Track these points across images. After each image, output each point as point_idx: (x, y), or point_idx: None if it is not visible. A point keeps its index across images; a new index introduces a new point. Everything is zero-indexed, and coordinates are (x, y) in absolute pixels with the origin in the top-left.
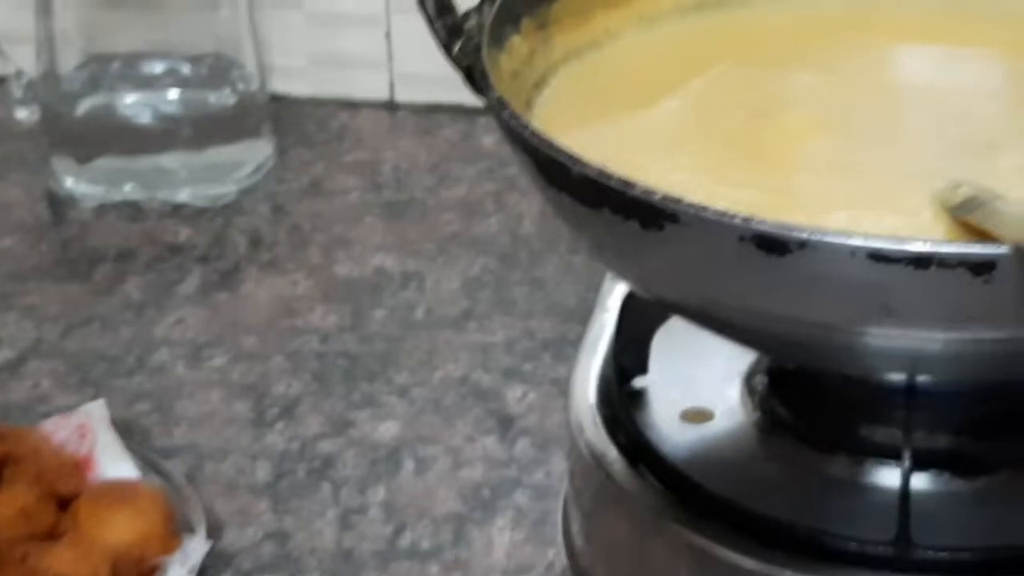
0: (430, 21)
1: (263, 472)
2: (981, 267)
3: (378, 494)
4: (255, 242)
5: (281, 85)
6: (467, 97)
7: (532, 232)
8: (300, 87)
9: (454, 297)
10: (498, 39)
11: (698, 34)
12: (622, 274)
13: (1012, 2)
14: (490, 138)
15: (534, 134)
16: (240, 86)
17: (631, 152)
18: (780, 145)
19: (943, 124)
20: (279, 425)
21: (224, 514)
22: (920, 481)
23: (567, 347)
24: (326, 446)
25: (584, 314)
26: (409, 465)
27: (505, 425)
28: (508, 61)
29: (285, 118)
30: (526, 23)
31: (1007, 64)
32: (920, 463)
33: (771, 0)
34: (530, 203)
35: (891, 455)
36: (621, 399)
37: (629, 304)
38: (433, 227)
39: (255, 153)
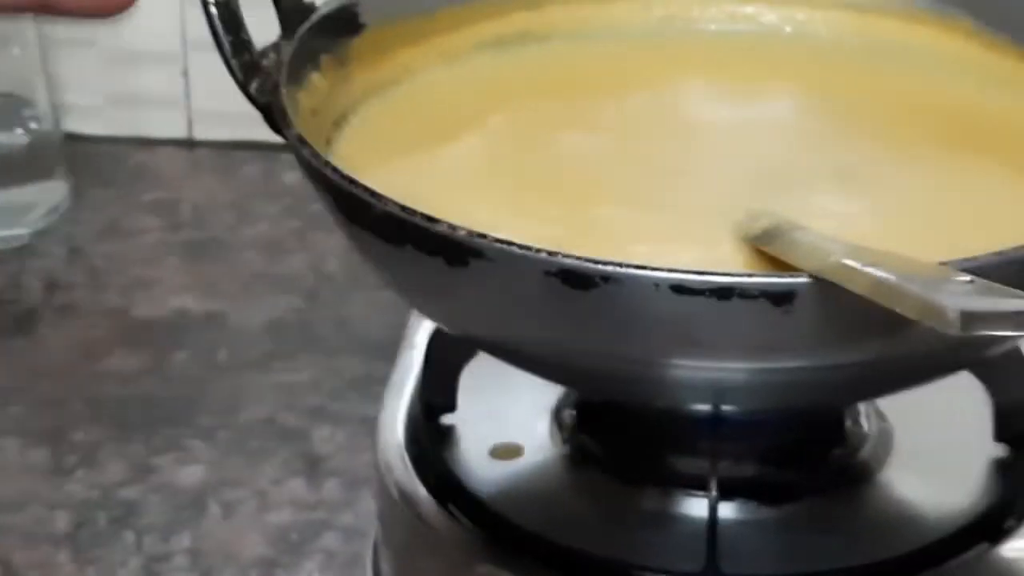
0: (226, 59)
1: (63, 522)
2: (781, 297)
3: (183, 541)
4: (51, 285)
5: (76, 125)
6: (268, 134)
7: (337, 269)
8: (96, 126)
9: (258, 337)
10: (297, 77)
11: (499, 70)
12: (428, 312)
13: (809, 37)
14: (292, 175)
15: (334, 171)
16: (32, 126)
17: (434, 188)
18: (582, 180)
19: (743, 157)
20: (79, 473)
21: (23, 566)
22: (727, 510)
23: (375, 385)
24: (128, 493)
25: (392, 351)
26: (215, 510)
27: (313, 466)
28: (308, 98)
29: (81, 158)
30: (325, 60)
31: (804, 97)
32: (727, 492)
33: (571, 36)
34: (334, 240)
35: (699, 485)
36: (429, 437)
37: (436, 340)
38: (235, 266)
39: (49, 194)
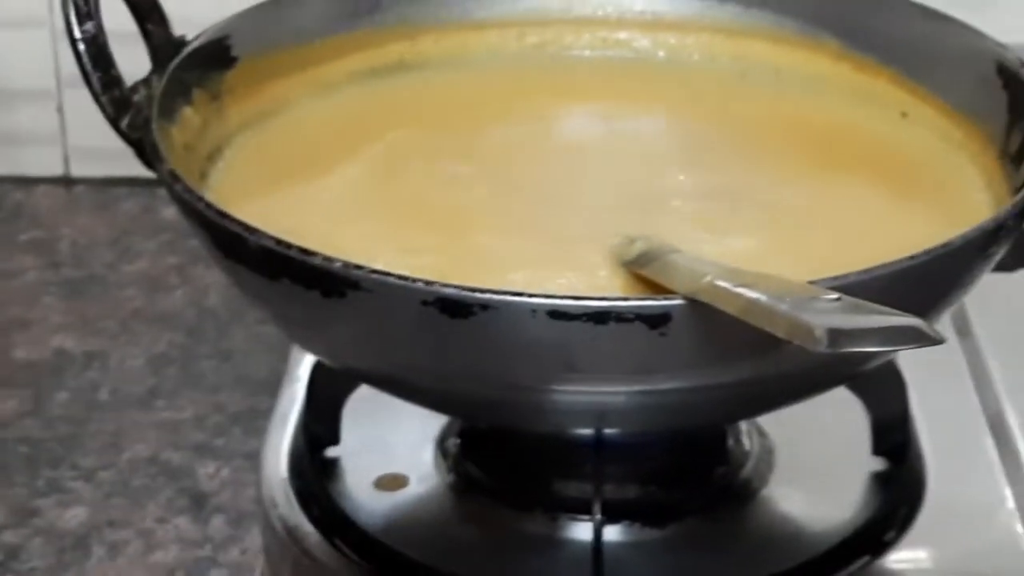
0: (96, 95)
1: None
2: (657, 320)
3: None
4: None
5: None
6: (145, 169)
7: (218, 303)
8: None
9: (140, 375)
10: (169, 111)
11: (374, 99)
12: (308, 346)
13: (682, 62)
14: (171, 210)
15: (208, 206)
16: None
17: (311, 221)
18: (459, 208)
19: (619, 182)
20: None
21: None
22: (613, 533)
23: (259, 419)
24: (9, 537)
25: (275, 384)
26: (99, 551)
27: (198, 503)
28: (180, 133)
29: None
30: (197, 94)
31: (677, 121)
32: (611, 515)
33: (446, 65)
34: (215, 274)
35: (583, 509)
36: (314, 470)
37: (318, 373)
38: (115, 304)
39: None
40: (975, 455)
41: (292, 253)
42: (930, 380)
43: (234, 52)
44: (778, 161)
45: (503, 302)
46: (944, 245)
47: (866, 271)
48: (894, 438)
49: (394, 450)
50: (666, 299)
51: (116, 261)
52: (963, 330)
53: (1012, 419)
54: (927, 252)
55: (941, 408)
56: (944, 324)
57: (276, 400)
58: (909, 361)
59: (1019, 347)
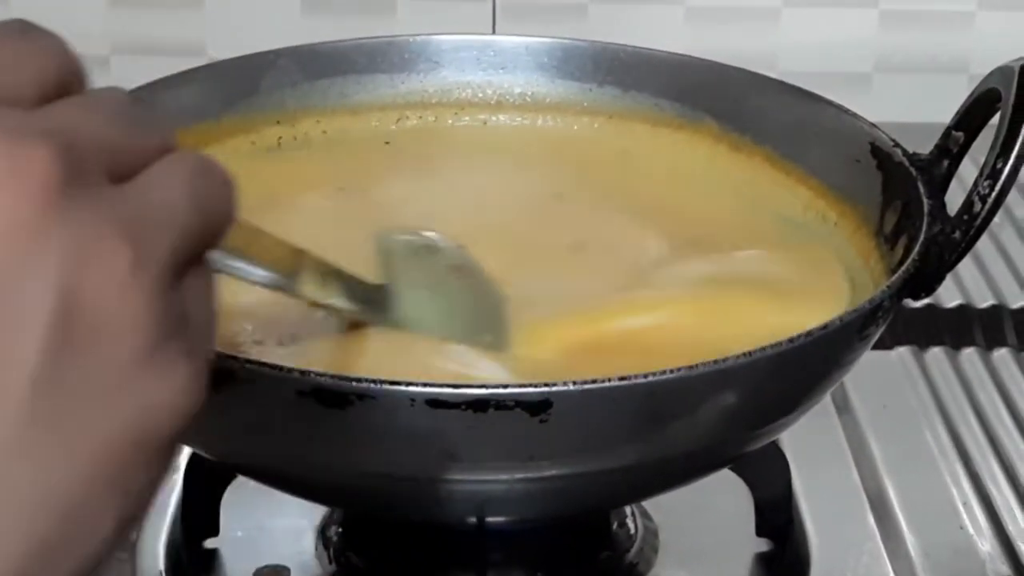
0: None
1: None
2: (538, 407)
3: None
4: None
5: None
6: None
7: None
8: None
9: None
10: None
11: (252, 180)
12: (183, 438)
13: (561, 142)
14: None
15: None
16: None
17: None
18: None
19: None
20: None
21: None
22: None
23: None
24: None
25: None
26: None
27: None
28: None
29: None
30: None
31: (549, 200)
32: None
33: (325, 147)
34: None
35: None
36: (191, 562)
37: (195, 461)
38: None
39: None
40: (857, 533)
41: None
42: (812, 458)
43: None
44: (658, 240)
45: (381, 391)
46: (822, 328)
47: (746, 354)
48: (777, 518)
49: (275, 540)
50: (547, 386)
51: None
52: (842, 406)
53: (893, 496)
54: (806, 335)
55: (823, 486)
56: (824, 400)
57: None
58: (791, 439)
59: (897, 423)
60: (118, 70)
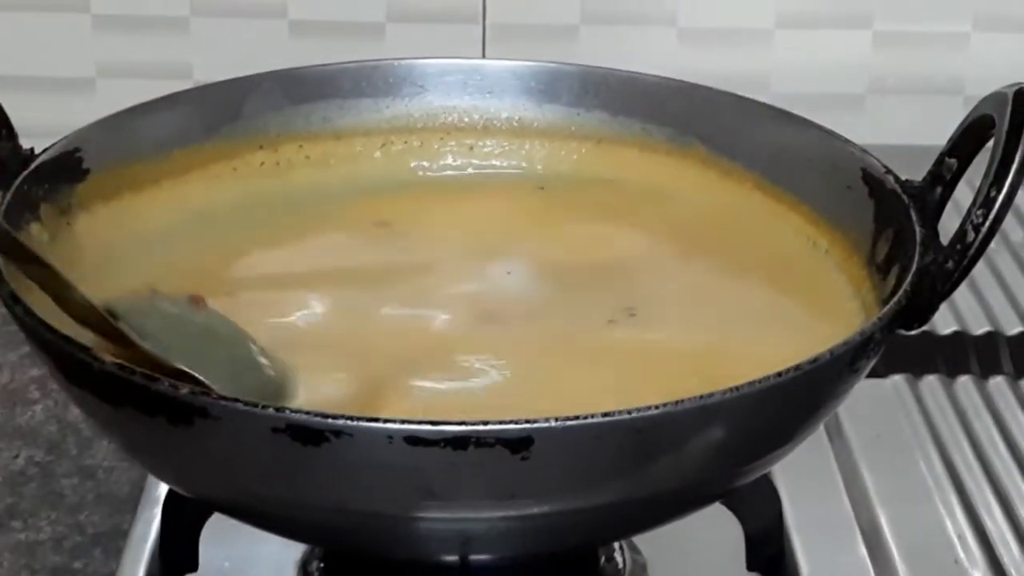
0: None
1: None
2: (518, 444)
3: None
4: None
5: None
6: None
7: (80, 417)
8: None
9: None
10: (13, 229)
11: (236, 212)
12: (159, 474)
13: (549, 172)
14: None
15: (48, 330)
16: None
17: None
18: (309, 325)
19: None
20: None
21: None
22: None
23: (121, 540)
24: None
25: (139, 503)
26: None
27: None
28: None
29: None
30: (45, 209)
31: (541, 230)
32: None
33: (309, 173)
34: None
35: None
36: None
37: (173, 496)
38: None
39: None
40: (849, 566)
41: (135, 378)
42: (803, 489)
43: (86, 164)
44: (646, 269)
45: (357, 428)
46: (811, 361)
47: (733, 389)
48: (768, 551)
49: (255, 574)
50: (528, 423)
51: None
52: (835, 435)
53: (886, 528)
54: (795, 368)
55: (815, 518)
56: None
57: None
58: (782, 469)
59: (891, 453)
60: (104, 93)
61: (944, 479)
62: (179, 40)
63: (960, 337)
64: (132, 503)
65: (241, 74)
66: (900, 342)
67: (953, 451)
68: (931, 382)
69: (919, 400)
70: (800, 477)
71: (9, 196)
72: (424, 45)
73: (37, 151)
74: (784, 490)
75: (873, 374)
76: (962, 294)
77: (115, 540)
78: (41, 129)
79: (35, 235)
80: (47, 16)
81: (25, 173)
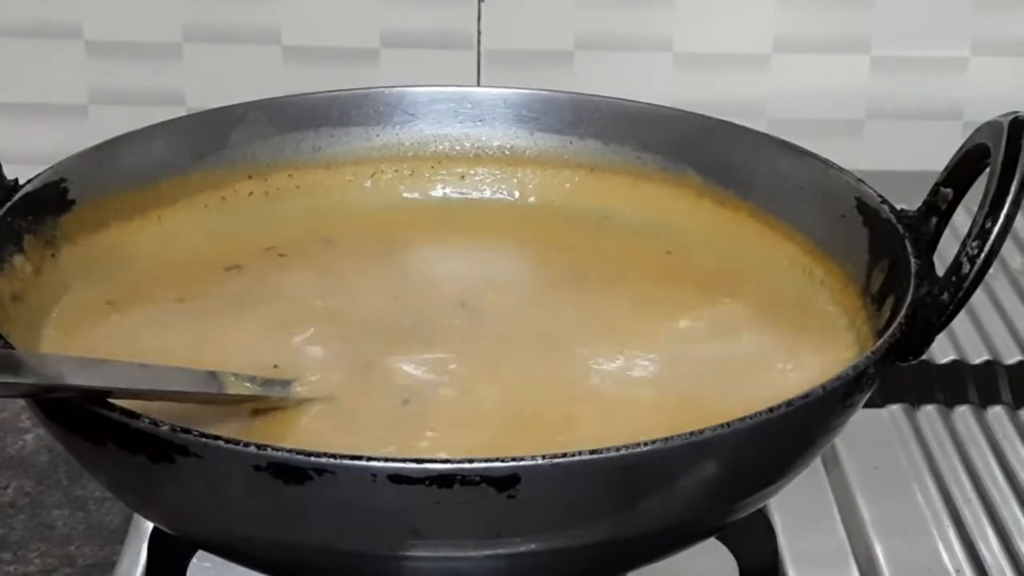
0: None
1: None
2: (505, 482)
3: None
4: None
5: None
6: None
7: None
8: None
9: None
10: None
11: (223, 238)
12: (142, 512)
13: (540, 201)
14: None
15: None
16: None
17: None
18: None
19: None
20: None
21: None
22: None
23: (110, 573)
24: None
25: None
26: None
27: None
28: (8, 284)
29: None
30: (29, 241)
31: (533, 258)
32: None
33: (298, 202)
34: None
35: None
36: None
37: (159, 531)
38: None
39: None
40: None
41: (116, 416)
42: (799, 521)
43: (71, 195)
44: (638, 300)
45: (340, 466)
46: (803, 396)
47: (724, 425)
48: None
49: None
50: (515, 460)
51: None
52: (832, 466)
53: (882, 561)
54: (787, 404)
55: (811, 550)
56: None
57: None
58: (778, 500)
59: (888, 484)
60: (96, 120)
61: (942, 511)
62: (172, 66)
63: (958, 366)
64: (122, 535)
65: (235, 100)
66: (897, 371)
67: (951, 482)
68: (929, 412)
69: (916, 430)
70: (796, 508)
71: None
72: (419, 71)
73: (25, 179)
74: (779, 522)
75: (870, 404)
76: (960, 322)
77: (105, 572)
78: (32, 156)
79: (18, 268)
80: (40, 42)
81: (8, 204)
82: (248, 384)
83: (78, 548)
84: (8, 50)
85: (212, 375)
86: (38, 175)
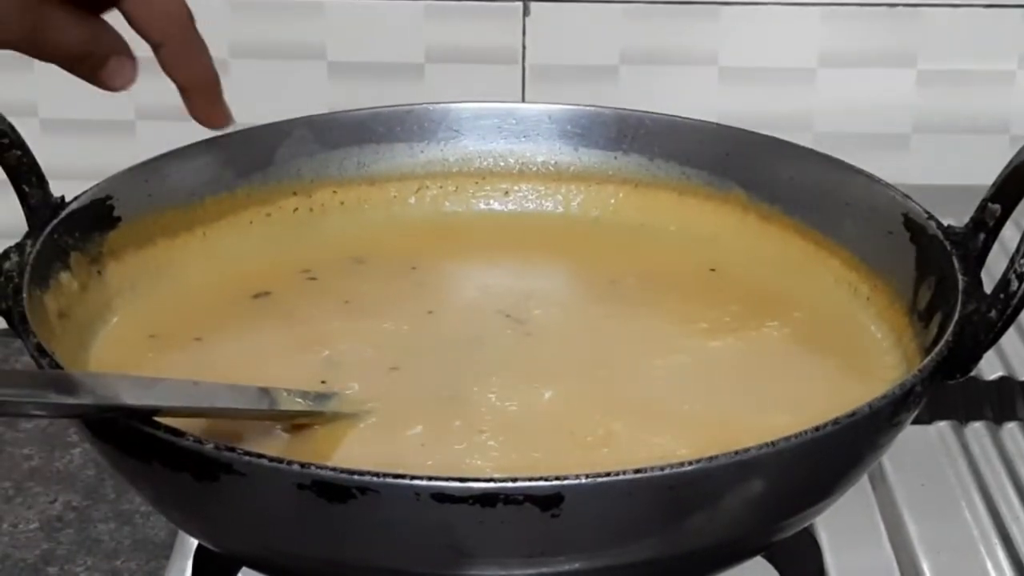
0: None
1: None
2: (548, 501)
3: None
4: None
5: None
6: None
7: None
8: None
9: (33, 539)
10: (42, 278)
11: (267, 254)
12: (186, 529)
13: (585, 216)
14: None
15: None
16: None
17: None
18: (347, 367)
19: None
20: None
21: None
22: None
23: None
24: None
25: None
26: None
27: None
28: (55, 301)
29: None
30: (75, 258)
31: (578, 275)
32: None
33: (343, 218)
34: None
35: None
36: None
37: (203, 550)
38: (10, 463)
39: None
40: None
41: (161, 434)
42: (846, 538)
43: (117, 212)
44: (681, 316)
45: (384, 485)
46: (849, 415)
47: (769, 444)
48: None
49: None
50: (558, 479)
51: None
52: (879, 483)
53: None
54: (833, 422)
55: (857, 568)
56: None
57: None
58: (824, 517)
59: (936, 502)
60: (144, 136)
61: (990, 528)
62: None
63: (1007, 383)
64: (168, 549)
65: (280, 117)
66: (945, 388)
67: (999, 499)
68: (977, 429)
69: (965, 447)
70: (842, 526)
71: (38, 245)
72: (463, 87)
73: (70, 197)
74: (825, 540)
75: (918, 420)
76: (1009, 338)
77: None
78: (79, 173)
79: (64, 285)
80: None
81: (55, 222)
82: (300, 400)
83: (124, 562)
84: (55, 67)
85: (264, 391)
86: (85, 192)
